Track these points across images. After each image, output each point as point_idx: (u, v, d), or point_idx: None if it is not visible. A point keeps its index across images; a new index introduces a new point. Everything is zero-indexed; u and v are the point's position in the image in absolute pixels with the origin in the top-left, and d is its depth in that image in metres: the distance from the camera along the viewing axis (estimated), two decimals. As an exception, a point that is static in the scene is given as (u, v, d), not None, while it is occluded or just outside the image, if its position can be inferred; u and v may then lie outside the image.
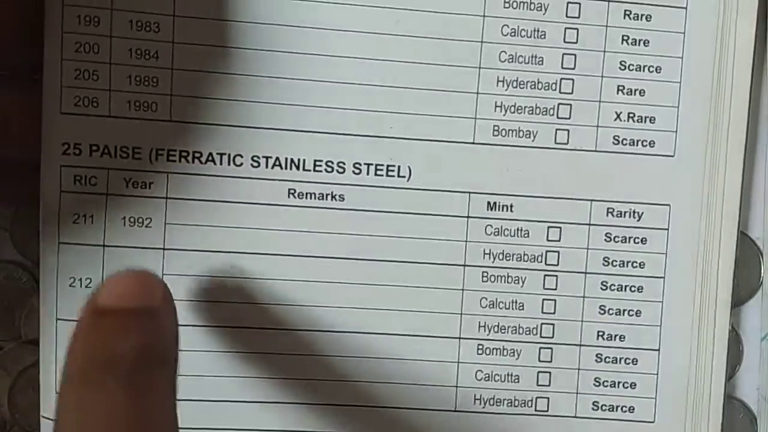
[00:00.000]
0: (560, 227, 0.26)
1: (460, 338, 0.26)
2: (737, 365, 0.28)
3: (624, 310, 0.26)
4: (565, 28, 0.25)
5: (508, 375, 0.26)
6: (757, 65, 0.26)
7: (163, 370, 0.20)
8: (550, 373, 0.26)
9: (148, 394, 0.19)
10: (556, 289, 0.26)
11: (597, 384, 0.26)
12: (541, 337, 0.26)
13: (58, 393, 0.19)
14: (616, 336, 0.26)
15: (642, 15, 0.25)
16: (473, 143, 0.25)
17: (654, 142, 0.26)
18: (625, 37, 0.25)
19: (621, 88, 0.26)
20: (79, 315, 0.20)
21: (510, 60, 0.25)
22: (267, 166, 0.25)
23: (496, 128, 0.25)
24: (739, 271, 0.27)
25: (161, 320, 0.20)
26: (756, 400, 0.28)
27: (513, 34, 0.25)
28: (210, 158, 0.25)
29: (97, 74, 0.24)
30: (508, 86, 0.25)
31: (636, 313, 0.26)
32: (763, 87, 0.27)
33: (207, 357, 0.25)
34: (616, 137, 0.26)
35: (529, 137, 0.26)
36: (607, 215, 0.26)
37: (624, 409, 0.26)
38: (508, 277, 0.26)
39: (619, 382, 0.26)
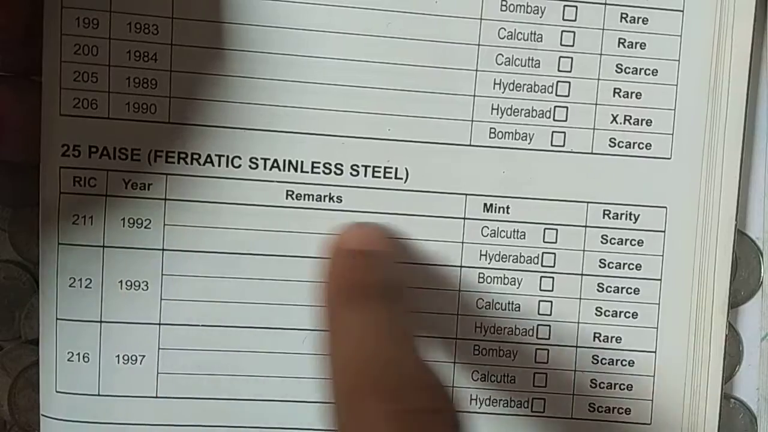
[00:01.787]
0: (557, 229, 0.26)
1: (456, 339, 0.26)
2: (737, 365, 0.28)
3: (620, 312, 0.26)
4: (562, 31, 0.25)
5: (504, 376, 0.26)
6: (754, 68, 0.26)
7: (402, 299, 0.22)
8: (546, 374, 0.26)
9: (401, 315, 0.22)
10: (552, 291, 0.26)
11: (593, 386, 0.26)
12: (538, 338, 0.26)
13: (325, 312, 0.22)
14: (612, 338, 0.26)
15: (638, 18, 0.25)
16: (470, 145, 0.25)
17: (650, 145, 0.26)
18: (622, 40, 0.25)
19: (617, 90, 0.26)
20: (327, 254, 0.23)
21: (507, 63, 0.25)
22: (265, 168, 0.25)
23: (492, 130, 0.25)
24: (738, 272, 0.27)
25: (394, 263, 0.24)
26: (756, 400, 0.28)
27: (510, 37, 0.25)
28: (208, 160, 0.25)
29: (96, 76, 0.24)
30: (504, 89, 0.25)
31: (632, 315, 0.26)
32: (760, 89, 0.27)
33: (205, 356, 0.25)
34: (613, 140, 0.26)
35: (526, 140, 0.26)
36: (604, 217, 0.26)
37: (620, 411, 0.26)
38: (505, 278, 0.26)
39: (615, 384, 0.26)
